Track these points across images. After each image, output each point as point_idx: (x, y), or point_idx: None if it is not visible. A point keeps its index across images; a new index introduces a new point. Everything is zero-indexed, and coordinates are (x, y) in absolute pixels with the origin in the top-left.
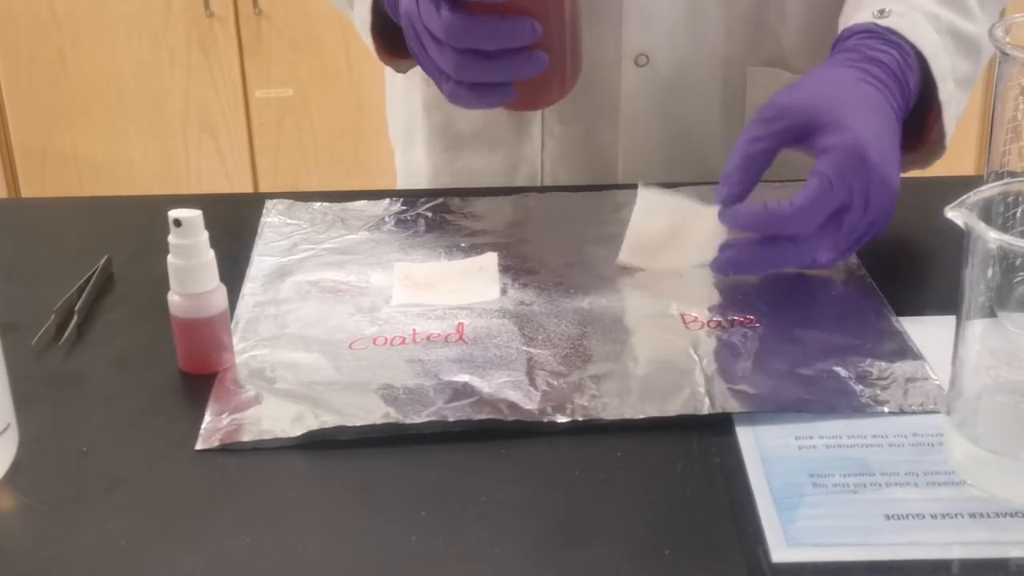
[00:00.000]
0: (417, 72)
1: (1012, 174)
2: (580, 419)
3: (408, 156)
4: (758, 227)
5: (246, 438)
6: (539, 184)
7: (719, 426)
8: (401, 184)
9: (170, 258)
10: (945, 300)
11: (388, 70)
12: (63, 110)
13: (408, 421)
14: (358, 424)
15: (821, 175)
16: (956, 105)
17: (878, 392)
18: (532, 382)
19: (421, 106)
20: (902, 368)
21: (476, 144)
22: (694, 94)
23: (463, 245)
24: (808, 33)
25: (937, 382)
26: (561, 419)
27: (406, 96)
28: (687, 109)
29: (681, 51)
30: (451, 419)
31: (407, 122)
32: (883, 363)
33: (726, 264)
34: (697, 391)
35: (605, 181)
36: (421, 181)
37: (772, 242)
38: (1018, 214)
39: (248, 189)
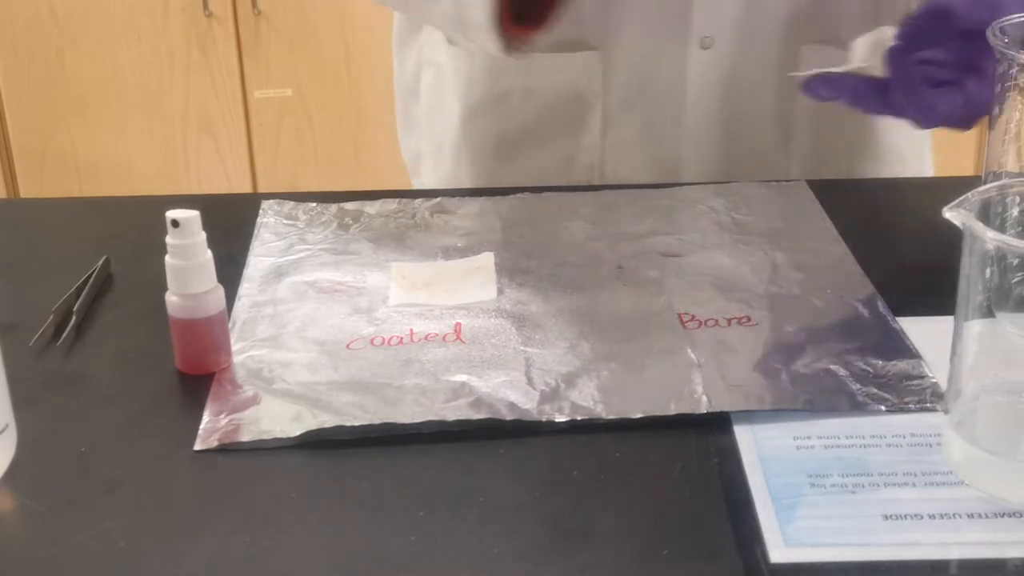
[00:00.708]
0: (451, 85)
1: (1009, 174)
2: (578, 419)
3: (438, 170)
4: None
5: (245, 438)
6: (597, 176)
7: (717, 426)
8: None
9: (168, 258)
10: (943, 300)
11: (401, 90)
12: (62, 110)
13: (406, 421)
14: (357, 424)
15: None
16: None
17: (875, 390)
18: (530, 382)
19: (459, 117)
20: (899, 366)
21: (528, 143)
22: (754, 74)
23: (460, 245)
24: (863, 5)
25: (934, 380)
26: (559, 418)
27: (436, 111)
28: (747, 90)
29: (744, 31)
30: (449, 419)
31: (438, 136)
32: (880, 362)
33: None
34: (695, 390)
35: (667, 166)
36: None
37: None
38: (1015, 214)
39: (247, 189)
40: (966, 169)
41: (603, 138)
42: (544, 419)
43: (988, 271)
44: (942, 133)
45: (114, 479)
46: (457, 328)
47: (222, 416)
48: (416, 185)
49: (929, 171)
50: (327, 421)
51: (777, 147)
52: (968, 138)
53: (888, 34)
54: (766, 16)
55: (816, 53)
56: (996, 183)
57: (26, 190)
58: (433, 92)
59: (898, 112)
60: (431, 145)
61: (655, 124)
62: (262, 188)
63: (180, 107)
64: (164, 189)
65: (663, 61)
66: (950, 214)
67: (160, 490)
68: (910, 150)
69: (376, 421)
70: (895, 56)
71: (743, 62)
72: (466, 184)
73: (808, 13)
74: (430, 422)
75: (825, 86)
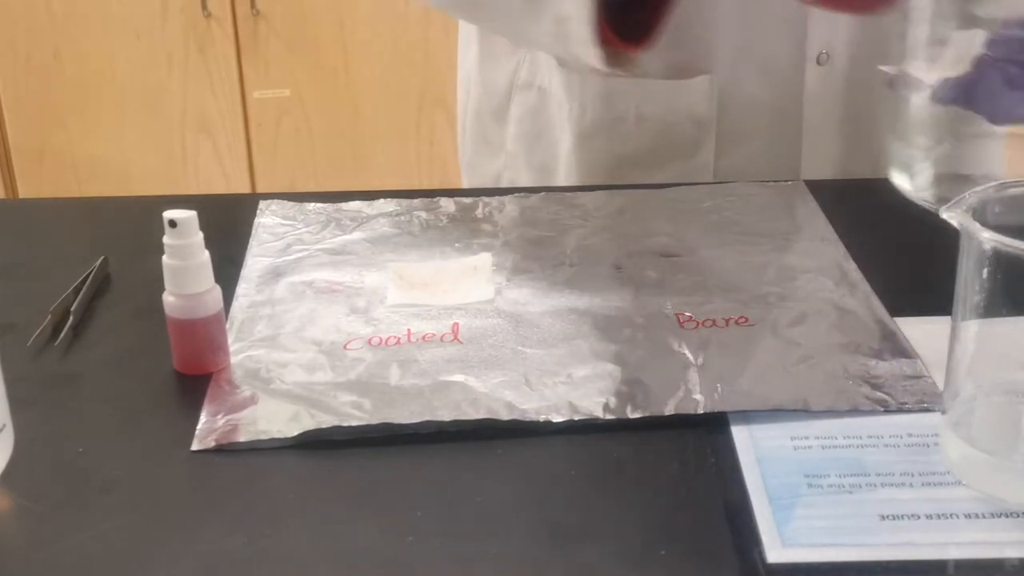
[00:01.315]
0: (562, 109)
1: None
2: (575, 419)
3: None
4: None
5: (242, 439)
6: None
7: (714, 426)
8: None
9: (165, 259)
10: (941, 300)
11: (481, 113)
12: (60, 110)
13: (403, 421)
14: (354, 425)
15: None
16: None
17: (873, 391)
18: (527, 382)
19: (571, 142)
20: (897, 366)
21: (641, 166)
22: (869, 89)
23: (457, 245)
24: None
25: (931, 380)
26: (557, 419)
27: (537, 135)
28: (864, 104)
29: (859, 45)
30: (446, 419)
31: (542, 160)
32: (877, 361)
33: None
34: (692, 391)
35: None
36: None
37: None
38: (1013, 214)
39: (246, 189)
40: None
41: (717, 159)
42: (541, 419)
43: (985, 271)
44: None
45: (111, 479)
46: (455, 328)
47: (219, 416)
48: None
49: None
50: (324, 422)
51: (891, 156)
52: None
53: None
54: (879, 27)
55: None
56: (993, 183)
57: (24, 190)
58: (532, 116)
59: (975, 107)
60: (530, 170)
61: (771, 143)
62: (260, 188)
63: (179, 107)
64: (162, 189)
65: (779, 80)
66: (947, 214)
67: (157, 490)
68: None
69: (374, 422)
70: (982, 59)
71: (859, 75)
72: None
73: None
74: (427, 423)
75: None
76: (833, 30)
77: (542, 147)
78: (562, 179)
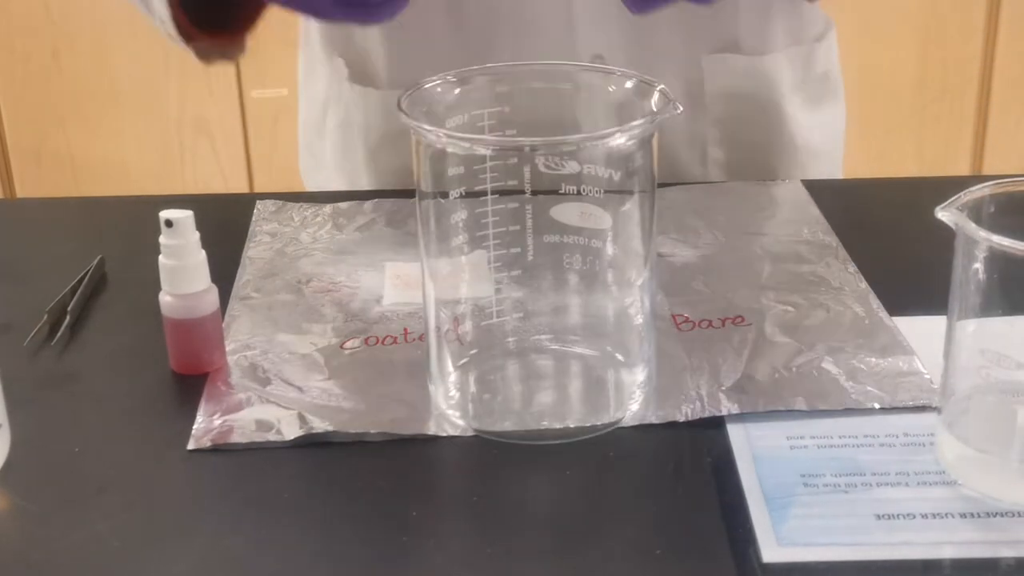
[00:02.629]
0: (336, 123)
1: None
2: (571, 425)
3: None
4: None
5: (238, 439)
6: None
7: (710, 425)
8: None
9: (161, 258)
10: (937, 299)
11: (306, 127)
12: (58, 110)
13: (400, 432)
14: (352, 431)
15: None
16: None
17: (869, 388)
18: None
19: (363, 157)
20: (893, 363)
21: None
22: None
23: (454, 244)
24: (765, 11)
25: (928, 376)
26: (554, 424)
27: (343, 150)
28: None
29: (636, 46)
30: (443, 434)
31: (348, 175)
32: (873, 359)
33: None
34: (688, 394)
35: None
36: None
37: None
38: (1007, 214)
39: (244, 189)
40: (961, 169)
41: None
42: (542, 425)
43: (980, 271)
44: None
45: (107, 479)
46: (454, 326)
47: (216, 417)
48: None
49: (839, 173)
50: (321, 425)
51: (692, 161)
52: (964, 138)
53: None
54: (658, 28)
55: (718, 63)
56: (988, 183)
57: (22, 190)
58: (340, 131)
59: None
60: (340, 183)
61: None
62: (258, 188)
63: (176, 107)
64: (160, 189)
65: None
66: (942, 214)
67: (153, 490)
68: (824, 149)
69: (372, 430)
70: None
71: None
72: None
73: (705, 23)
74: (424, 434)
75: None
76: (604, 32)
77: (349, 162)
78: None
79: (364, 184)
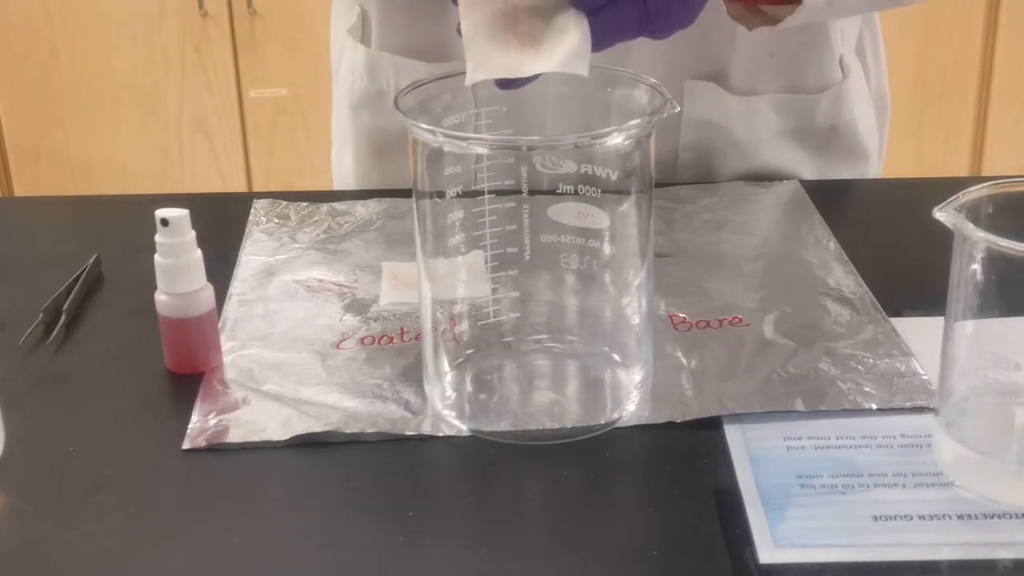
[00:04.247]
0: (343, 72)
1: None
2: (567, 426)
3: (339, 169)
4: None
5: (233, 439)
6: None
7: (707, 426)
8: (336, 187)
9: (157, 257)
10: (935, 300)
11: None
12: (56, 109)
13: (396, 431)
14: (348, 431)
15: None
16: None
17: (866, 388)
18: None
19: (347, 115)
20: (890, 364)
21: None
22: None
23: (451, 243)
24: (752, 45)
25: (925, 377)
26: (551, 425)
27: (339, 97)
28: None
29: (612, 61)
30: (440, 434)
31: (338, 136)
32: (871, 360)
33: None
34: (685, 395)
35: None
36: (348, 184)
37: None
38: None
39: (242, 188)
40: (960, 170)
41: None
42: (533, 427)
43: (978, 272)
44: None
45: (102, 478)
46: (452, 326)
47: (211, 416)
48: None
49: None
50: (316, 425)
51: (667, 175)
52: (962, 139)
53: None
54: (641, 51)
55: (699, 89)
56: (986, 183)
57: (20, 189)
58: (341, 83)
59: None
60: (336, 146)
61: None
62: (257, 187)
63: (175, 106)
64: (159, 188)
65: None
66: (940, 215)
67: (148, 490)
68: (768, 150)
69: (368, 429)
70: None
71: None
72: (349, 180)
73: (690, 48)
74: (421, 434)
75: None
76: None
77: (336, 121)
78: (340, 155)
79: (348, 142)
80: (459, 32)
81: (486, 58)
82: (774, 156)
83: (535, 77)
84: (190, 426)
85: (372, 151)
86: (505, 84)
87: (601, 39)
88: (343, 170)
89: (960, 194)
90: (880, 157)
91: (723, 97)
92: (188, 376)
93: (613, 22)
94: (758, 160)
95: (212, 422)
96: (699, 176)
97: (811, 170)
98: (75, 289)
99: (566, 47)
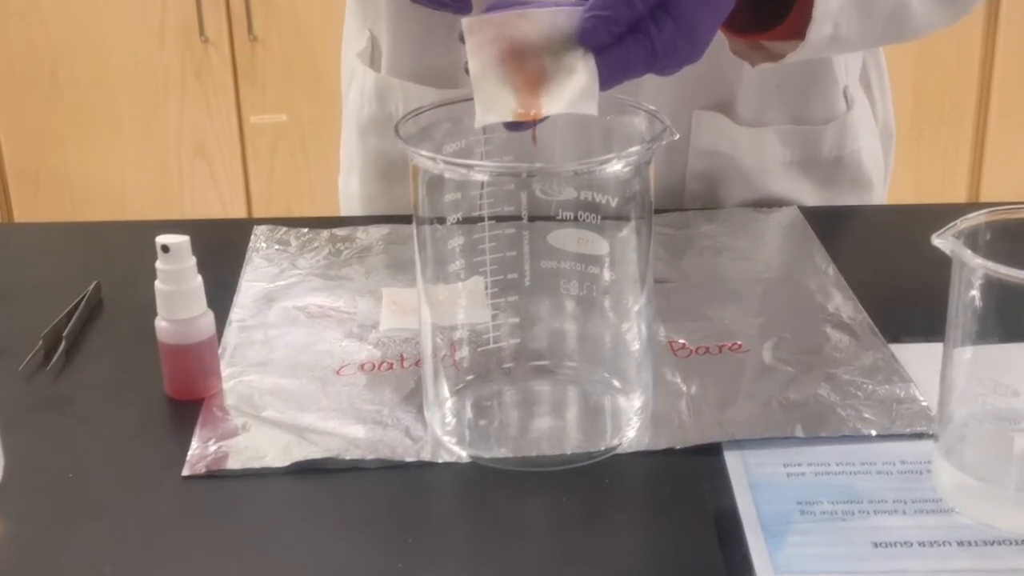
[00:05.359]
0: (352, 96)
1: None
2: (568, 452)
3: (346, 194)
4: None
5: (233, 465)
6: None
7: (707, 452)
8: (343, 211)
9: (158, 283)
10: (933, 327)
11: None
12: (56, 133)
13: (396, 457)
14: (348, 457)
15: None
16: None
17: (866, 415)
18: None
19: (356, 137)
20: (890, 390)
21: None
22: None
23: (451, 269)
24: (759, 77)
25: (925, 403)
26: (551, 451)
27: (347, 121)
28: None
29: (620, 90)
30: (439, 460)
31: (345, 159)
32: (870, 386)
33: None
34: (684, 421)
35: None
36: (354, 208)
37: None
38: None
39: (242, 214)
40: (958, 196)
41: None
42: (534, 454)
43: (976, 298)
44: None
45: (101, 504)
46: (451, 352)
47: (211, 442)
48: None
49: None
50: (316, 452)
51: (674, 204)
52: (960, 165)
53: None
54: (650, 81)
55: (707, 119)
56: (984, 210)
57: (20, 211)
58: (350, 105)
59: None
60: (343, 170)
61: None
62: (257, 213)
63: (175, 132)
64: (158, 214)
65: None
66: (938, 241)
67: (147, 515)
68: (774, 180)
69: (368, 456)
70: None
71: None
72: (356, 204)
73: (698, 80)
74: (421, 460)
75: None
76: None
77: (345, 144)
78: (347, 179)
79: (355, 166)
80: (467, 71)
81: (495, 100)
82: (780, 186)
83: (545, 118)
84: (190, 452)
85: (379, 175)
86: (514, 126)
87: (609, 77)
88: (350, 194)
89: (958, 221)
90: (885, 186)
91: (730, 127)
92: (188, 402)
93: (620, 60)
94: (764, 190)
95: (212, 448)
96: (706, 205)
97: (816, 199)
98: (75, 315)
99: (574, 87)
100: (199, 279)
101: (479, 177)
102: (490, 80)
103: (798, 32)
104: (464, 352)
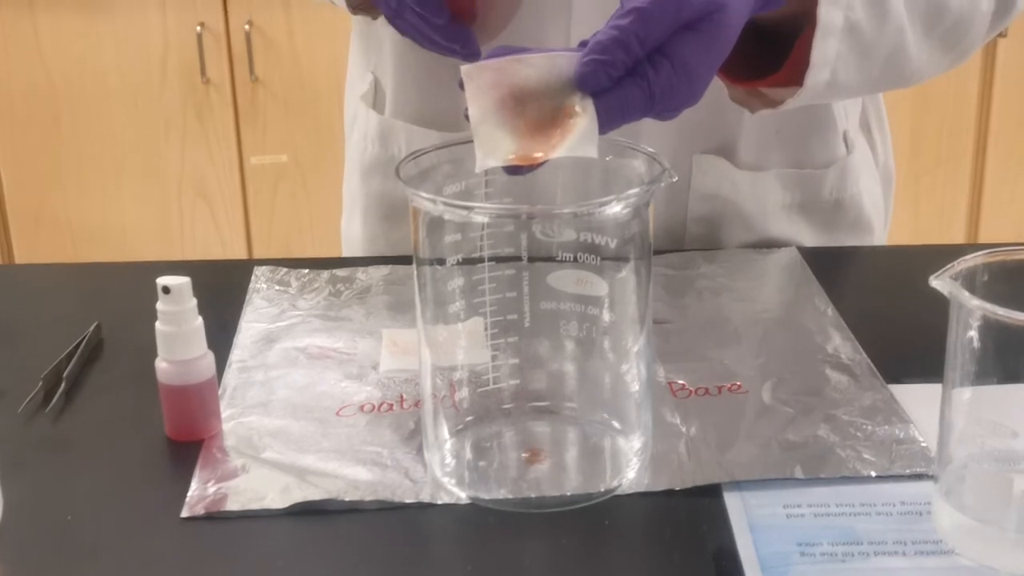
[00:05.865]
0: (355, 137)
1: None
2: (567, 494)
3: (347, 234)
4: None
5: (232, 507)
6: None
7: (707, 493)
8: (345, 252)
9: (158, 325)
10: (932, 367)
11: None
12: (58, 175)
13: (395, 499)
14: (347, 499)
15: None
16: (833, 45)
17: (865, 456)
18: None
19: (357, 179)
20: (889, 431)
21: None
22: None
23: (451, 310)
24: (759, 121)
25: (924, 444)
26: (551, 493)
27: (350, 162)
28: None
29: (621, 133)
30: (439, 502)
31: (347, 200)
32: (870, 427)
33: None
34: (684, 462)
35: None
36: (356, 250)
37: None
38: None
39: (242, 254)
40: (956, 237)
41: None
42: (534, 496)
43: (975, 339)
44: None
45: (100, 546)
46: (450, 393)
47: (210, 484)
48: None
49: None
50: (315, 493)
51: (675, 247)
52: (958, 207)
53: None
54: (651, 125)
55: (707, 163)
56: (982, 251)
57: (21, 252)
58: (353, 147)
59: None
60: (345, 211)
61: None
62: (257, 253)
63: (176, 172)
64: (159, 254)
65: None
66: (936, 282)
67: (146, 557)
68: (774, 223)
69: (367, 497)
70: None
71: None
72: (358, 246)
73: (699, 124)
74: (420, 502)
75: None
76: None
77: (347, 184)
78: (349, 219)
79: (358, 208)
80: (467, 117)
81: (495, 145)
82: (781, 229)
83: (544, 162)
84: (189, 494)
85: (381, 216)
86: (514, 171)
87: (608, 121)
88: (352, 237)
89: (956, 262)
90: (885, 229)
91: (731, 171)
92: (188, 443)
93: (619, 104)
94: (765, 233)
95: (211, 490)
96: (706, 247)
97: (817, 243)
98: (76, 356)
99: (574, 131)
100: (200, 320)
101: (479, 219)
102: (490, 125)
103: (796, 79)
104: (464, 393)
